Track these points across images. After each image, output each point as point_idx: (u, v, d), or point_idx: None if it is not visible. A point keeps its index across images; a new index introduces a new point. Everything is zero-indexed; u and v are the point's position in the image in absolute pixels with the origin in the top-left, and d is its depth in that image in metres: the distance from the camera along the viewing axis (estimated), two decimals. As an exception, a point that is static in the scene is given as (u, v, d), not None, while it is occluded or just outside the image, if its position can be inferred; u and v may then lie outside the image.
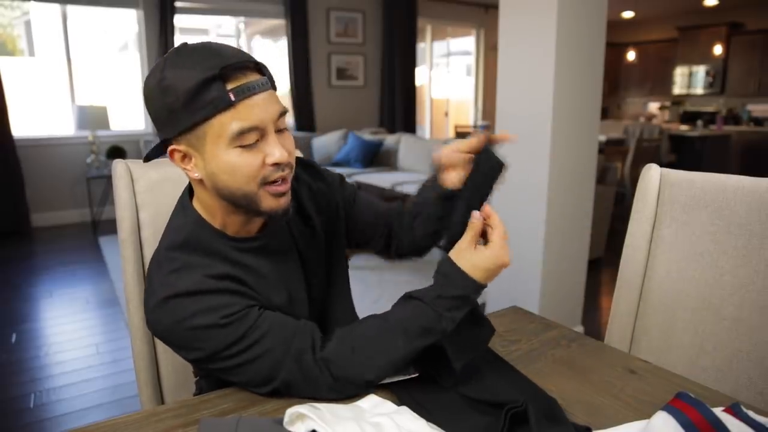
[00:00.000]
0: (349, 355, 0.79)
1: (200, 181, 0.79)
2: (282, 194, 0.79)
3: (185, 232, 0.82)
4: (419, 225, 1.04)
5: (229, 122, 0.72)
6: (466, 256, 0.81)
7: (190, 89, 0.71)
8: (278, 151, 0.76)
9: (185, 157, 0.78)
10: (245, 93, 0.73)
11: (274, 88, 0.79)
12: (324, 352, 0.79)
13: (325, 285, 1.00)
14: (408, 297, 0.83)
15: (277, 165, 0.77)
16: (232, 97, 0.72)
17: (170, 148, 0.78)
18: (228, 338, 0.75)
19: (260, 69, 0.77)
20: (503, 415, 0.69)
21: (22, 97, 5.39)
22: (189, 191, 0.87)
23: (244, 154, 0.74)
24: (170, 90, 0.72)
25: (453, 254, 0.82)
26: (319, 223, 0.97)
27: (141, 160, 1.12)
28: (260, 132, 0.75)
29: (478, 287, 0.81)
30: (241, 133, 0.73)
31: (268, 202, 0.79)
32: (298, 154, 0.98)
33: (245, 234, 0.85)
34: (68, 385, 2.34)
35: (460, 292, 0.80)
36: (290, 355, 0.77)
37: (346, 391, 0.79)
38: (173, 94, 0.72)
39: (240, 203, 0.79)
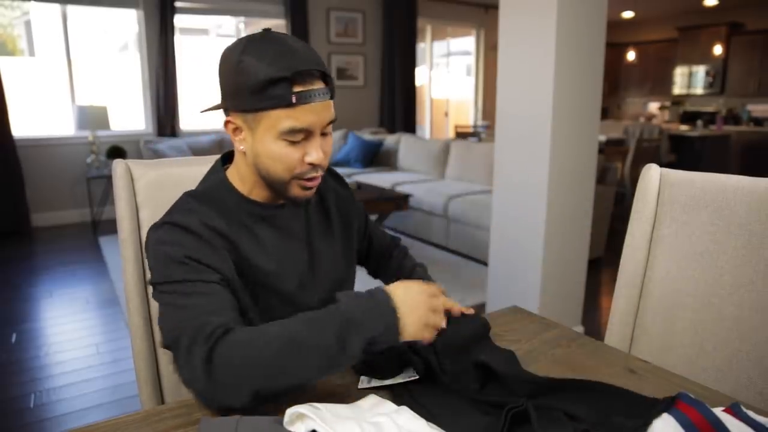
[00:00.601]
0: (236, 344, 0.73)
1: (243, 153, 0.89)
2: (310, 188, 0.90)
3: (206, 186, 0.94)
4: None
5: (284, 119, 0.82)
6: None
7: (260, 81, 0.80)
8: (317, 154, 0.86)
9: (237, 129, 0.88)
10: (306, 99, 0.82)
11: (332, 96, 0.87)
12: (223, 334, 0.73)
13: (336, 286, 1.02)
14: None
15: (313, 165, 0.86)
16: (294, 100, 0.81)
17: (227, 118, 0.88)
18: (174, 274, 0.80)
19: (325, 78, 0.85)
20: (504, 415, 0.69)
21: (22, 97, 5.39)
22: (222, 159, 0.98)
23: (289, 147, 0.84)
24: (244, 73, 0.81)
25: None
26: (338, 225, 1.04)
27: (141, 160, 1.13)
28: (307, 133, 0.84)
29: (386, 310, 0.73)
30: (292, 132, 0.83)
31: (296, 191, 0.89)
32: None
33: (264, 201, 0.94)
34: (68, 385, 2.34)
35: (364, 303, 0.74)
36: (199, 320, 0.75)
37: (212, 384, 0.71)
38: (245, 78, 0.81)
39: (271, 184, 0.89)
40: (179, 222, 0.84)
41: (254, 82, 0.80)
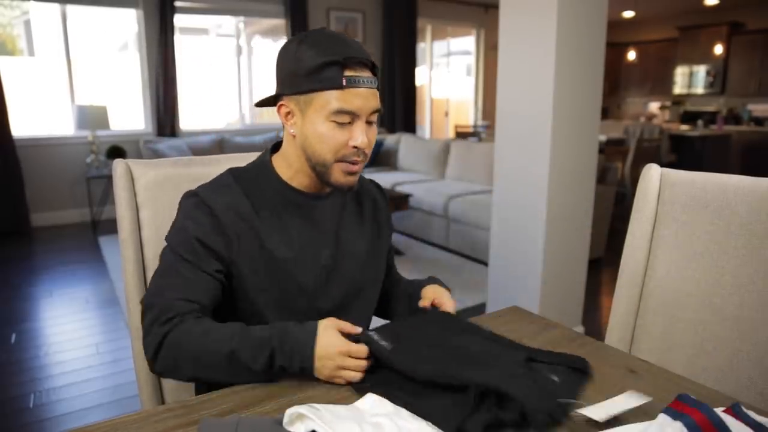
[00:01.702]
0: (185, 334, 0.84)
1: (293, 137, 0.95)
2: (352, 173, 0.94)
3: (249, 167, 1.00)
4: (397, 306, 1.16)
5: (334, 100, 0.88)
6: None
7: (314, 65, 0.88)
8: (362, 137, 0.91)
9: (289, 113, 0.94)
10: (354, 83, 0.88)
11: (378, 88, 0.93)
12: (180, 323, 0.85)
13: (358, 286, 1.03)
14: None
15: (357, 149, 0.91)
16: (344, 82, 0.88)
17: (281, 103, 0.95)
18: (180, 247, 0.90)
19: (373, 69, 0.92)
20: (471, 394, 0.71)
21: (22, 97, 5.39)
22: (272, 149, 1.02)
23: (336, 129, 0.90)
24: (300, 60, 0.89)
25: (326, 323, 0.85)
26: (370, 231, 1.06)
27: (141, 160, 1.13)
28: (353, 117, 0.90)
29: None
30: (339, 113, 0.89)
31: (338, 176, 0.93)
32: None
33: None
34: (68, 385, 2.34)
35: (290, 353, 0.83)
36: (171, 300, 0.87)
37: (158, 360, 0.85)
38: (301, 63, 0.89)
39: (316, 168, 0.94)
40: (208, 200, 0.91)
41: (309, 66, 0.87)
